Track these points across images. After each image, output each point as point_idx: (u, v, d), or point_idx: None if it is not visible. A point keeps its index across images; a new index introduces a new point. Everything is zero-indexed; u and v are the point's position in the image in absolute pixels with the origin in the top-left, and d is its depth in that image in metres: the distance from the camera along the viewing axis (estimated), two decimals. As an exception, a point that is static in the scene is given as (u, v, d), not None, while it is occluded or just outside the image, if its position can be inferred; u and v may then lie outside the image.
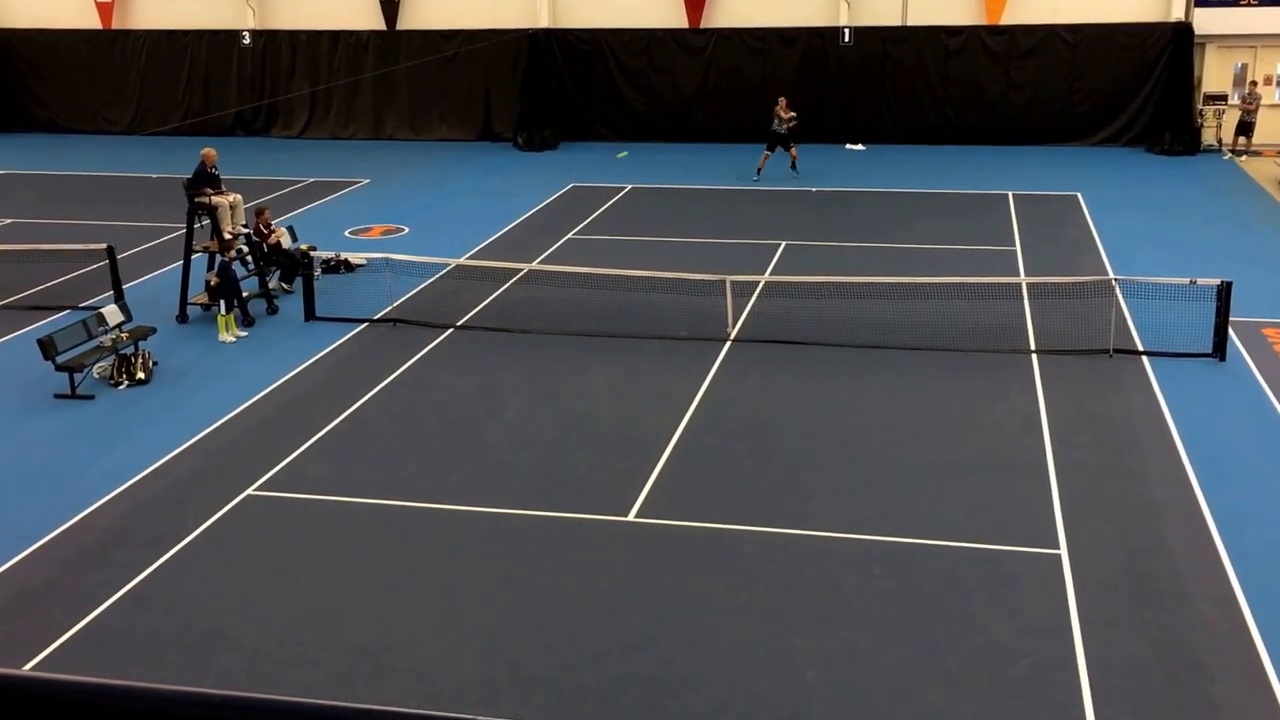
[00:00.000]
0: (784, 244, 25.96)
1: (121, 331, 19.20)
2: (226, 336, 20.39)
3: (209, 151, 22.22)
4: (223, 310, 20.38)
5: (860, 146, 37.59)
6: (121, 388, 18.34)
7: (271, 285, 22.64)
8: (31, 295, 22.94)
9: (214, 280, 20.54)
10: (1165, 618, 11.79)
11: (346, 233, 27.97)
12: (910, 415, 16.72)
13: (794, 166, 32.81)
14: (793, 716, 10.41)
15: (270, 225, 22.95)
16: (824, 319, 20.29)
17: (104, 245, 22.37)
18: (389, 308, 21.75)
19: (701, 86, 38.89)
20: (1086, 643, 11.35)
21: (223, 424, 16.90)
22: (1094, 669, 10.95)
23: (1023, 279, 22.45)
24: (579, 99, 39.61)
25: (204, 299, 21.36)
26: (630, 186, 32.31)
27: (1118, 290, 19.97)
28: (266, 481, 15.05)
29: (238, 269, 21.37)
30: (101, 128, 43.17)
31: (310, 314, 21.41)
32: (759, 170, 32.71)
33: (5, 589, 12.75)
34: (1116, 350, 18.86)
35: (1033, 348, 19.19)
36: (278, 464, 15.53)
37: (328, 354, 19.70)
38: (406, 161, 37.06)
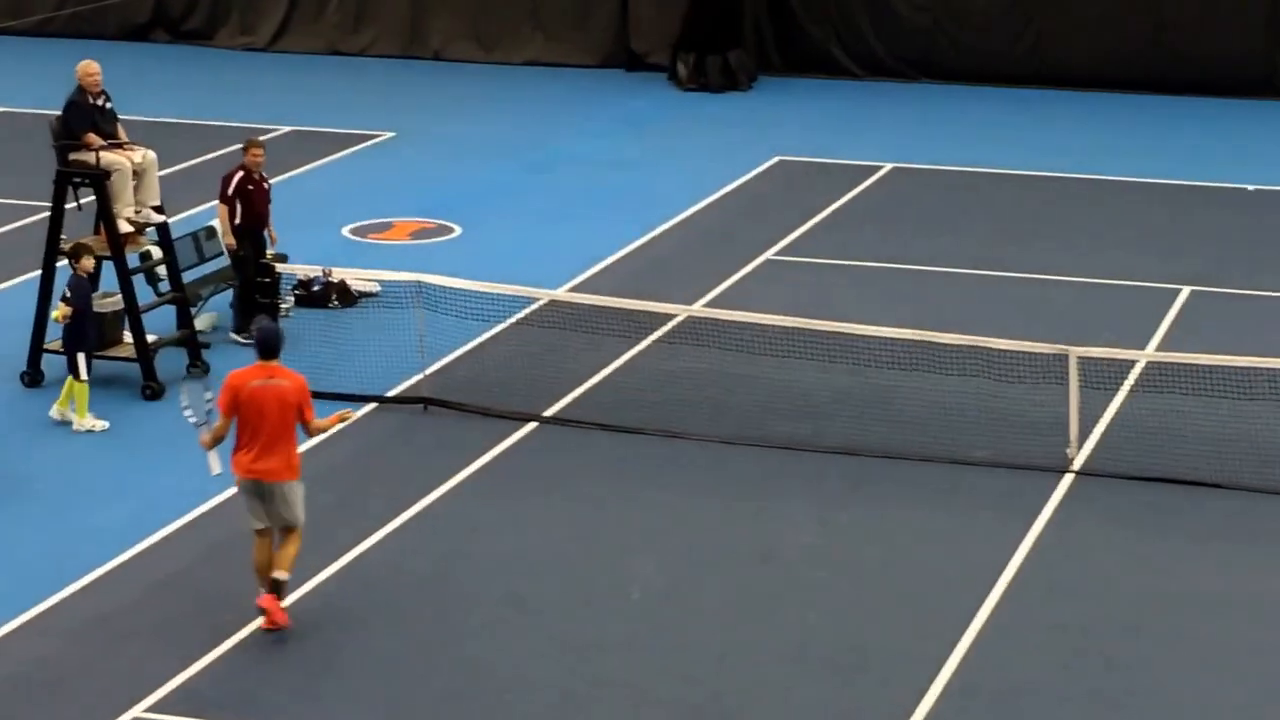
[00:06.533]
0: (1188, 289, 18.73)
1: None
2: (82, 422, 14.53)
3: (88, 67, 16.87)
4: (78, 371, 14.08)
5: None
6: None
7: (202, 327, 16.04)
8: None
9: (61, 313, 14.67)
10: None
11: (346, 231, 20.95)
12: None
13: None
14: None
15: (263, 176, 16.62)
16: (1252, 438, 14.79)
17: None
18: (418, 376, 15.72)
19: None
20: None
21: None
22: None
23: None
24: (796, 2, 28.59)
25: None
26: (890, 167, 23.98)
27: None
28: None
29: (144, 291, 15.18)
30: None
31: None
32: None
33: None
34: None
35: None
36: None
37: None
38: (464, 101, 28.29)
